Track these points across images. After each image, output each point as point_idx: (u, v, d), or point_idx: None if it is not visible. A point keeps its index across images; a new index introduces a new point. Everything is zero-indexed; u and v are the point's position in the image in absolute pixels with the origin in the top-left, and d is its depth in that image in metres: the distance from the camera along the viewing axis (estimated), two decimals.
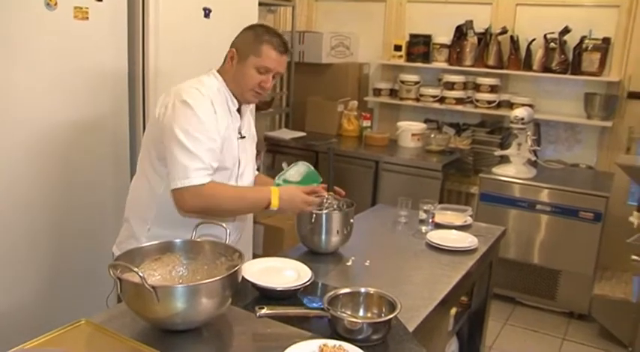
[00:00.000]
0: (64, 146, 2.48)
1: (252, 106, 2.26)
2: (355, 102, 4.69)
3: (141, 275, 1.36)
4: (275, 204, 1.91)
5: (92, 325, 1.53)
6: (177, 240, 1.70)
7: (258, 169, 2.27)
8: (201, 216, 1.90)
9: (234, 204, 1.95)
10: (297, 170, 2.15)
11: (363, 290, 1.68)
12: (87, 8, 2.47)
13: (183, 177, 1.81)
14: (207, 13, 2.98)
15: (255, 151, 2.19)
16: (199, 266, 1.67)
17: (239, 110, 2.04)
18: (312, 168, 2.19)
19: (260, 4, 3.39)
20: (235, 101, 2.00)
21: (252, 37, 1.94)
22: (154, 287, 1.37)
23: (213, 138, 1.87)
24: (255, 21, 3.35)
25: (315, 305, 1.71)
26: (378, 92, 4.78)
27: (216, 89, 1.96)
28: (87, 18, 2.48)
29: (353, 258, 2.15)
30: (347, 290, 1.68)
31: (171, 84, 2.83)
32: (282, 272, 1.87)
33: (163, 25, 2.76)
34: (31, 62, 2.29)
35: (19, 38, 2.24)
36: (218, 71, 2.02)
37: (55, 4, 2.34)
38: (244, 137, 2.06)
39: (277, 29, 2.03)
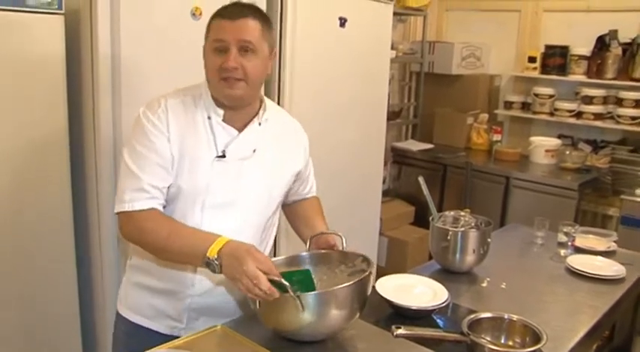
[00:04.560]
0: None
1: (294, 127, 1.82)
2: (486, 115, 4.55)
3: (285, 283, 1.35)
4: (212, 253, 1.39)
5: (227, 330, 1.55)
6: (304, 253, 1.68)
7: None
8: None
9: (162, 243, 1.49)
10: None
11: (506, 316, 1.59)
12: None
13: (118, 200, 1.55)
14: (342, 22, 2.99)
15: (281, 183, 1.74)
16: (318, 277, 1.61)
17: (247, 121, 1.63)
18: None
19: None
20: (220, 110, 1.60)
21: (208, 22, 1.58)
22: (298, 296, 1.35)
23: (160, 154, 1.54)
24: (389, 31, 3.34)
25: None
26: (509, 105, 4.61)
27: (190, 97, 1.61)
28: None
29: (488, 278, 2.05)
30: (488, 314, 1.59)
31: (308, 90, 2.90)
32: (416, 290, 1.81)
33: (300, 33, 2.80)
34: (182, 68, 2.33)
35: (170, 45, 2.34)
36: None
37: (200, 14, 2.42)
38: (224, 156, 1.59)
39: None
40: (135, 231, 1.54)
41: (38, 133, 2.19)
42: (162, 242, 1.49)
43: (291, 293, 1.34)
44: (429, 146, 4.60)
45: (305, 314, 1.37)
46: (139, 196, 1.52)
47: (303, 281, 1.48)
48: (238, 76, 1.52)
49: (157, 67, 2.25)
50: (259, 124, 1.65)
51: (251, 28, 1.52)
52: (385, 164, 3.78)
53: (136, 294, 1.73)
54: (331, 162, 3.12)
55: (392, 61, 3.69)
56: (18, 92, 2.11)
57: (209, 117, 1.59)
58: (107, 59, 2.19)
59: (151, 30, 2.27)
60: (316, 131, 2.97)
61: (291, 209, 1.92)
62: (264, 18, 1.57)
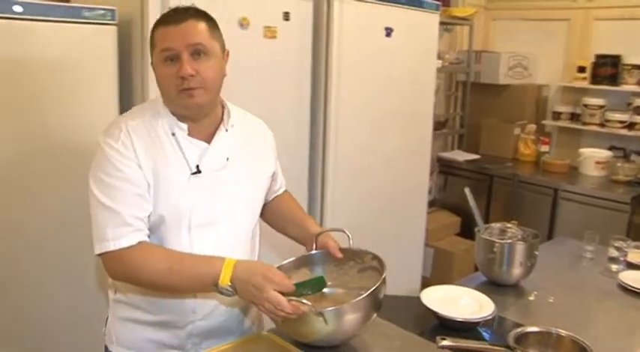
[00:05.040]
0: None
1: (259, 127, 1.74)
2: (533, 126, 4.48)
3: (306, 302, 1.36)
4: (225, 281, 1.35)
5: (272, 337, 1.56)
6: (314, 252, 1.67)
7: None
8: None
9: (164, 277, 1.39)
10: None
11: (553, 330, 1.56)
12: (275, 27, 2.58)
13: (99, 239, 1.41)
14: (388, 32, 2.99)
15: (259, 188, 1.68)
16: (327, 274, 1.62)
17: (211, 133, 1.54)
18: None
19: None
20: (183, 125, 1.50)
21: (150, 34, 1.48)
22: (321, 313, 1.35)
23: (133, 182, 1.43)
24: (435, 40, 3.32)
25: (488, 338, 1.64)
26: (557, 116, 4.52)
27: (149, 115, 1.51)
28: (275, 36, 2.59)
29: (535, 292, 2.01)
30: (535, 328, 1.57)
31: (354, 100, 2.91)
32: (462, 302, 1.79)
33: (346, 43, 2.81)
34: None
35: None
36: None
37: (248, 24, 2.46)
38: (199, 172, 1.50)
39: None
40: (127, 270, 1.42)
41: (93, 136, 2.26)
42: (164, 277, 1.39)
43: (313, 311, 1.35)
44: (476, 156, 4.57)
45: (328, 327, 1.38)
46: (124, 231, 1.39)
47: (316, 285, 1.52)
48: (195, 84, 1.42)
49: None
50: (226, 131, 1.56)
51: (198, 29, 1.42)
52: (431, 174, 3.76)
53: (128, 330, 1.59)
54: (377, 171, 3.12)
55: (438, 70, 3.68)
56: (74, 98, 2.22)
57: (173, 134, 1.49)
58: None
59: None
60: (362, 140, 3.00)
61: (268, 208, 1.82)
62: (208, 17, 1.48)
